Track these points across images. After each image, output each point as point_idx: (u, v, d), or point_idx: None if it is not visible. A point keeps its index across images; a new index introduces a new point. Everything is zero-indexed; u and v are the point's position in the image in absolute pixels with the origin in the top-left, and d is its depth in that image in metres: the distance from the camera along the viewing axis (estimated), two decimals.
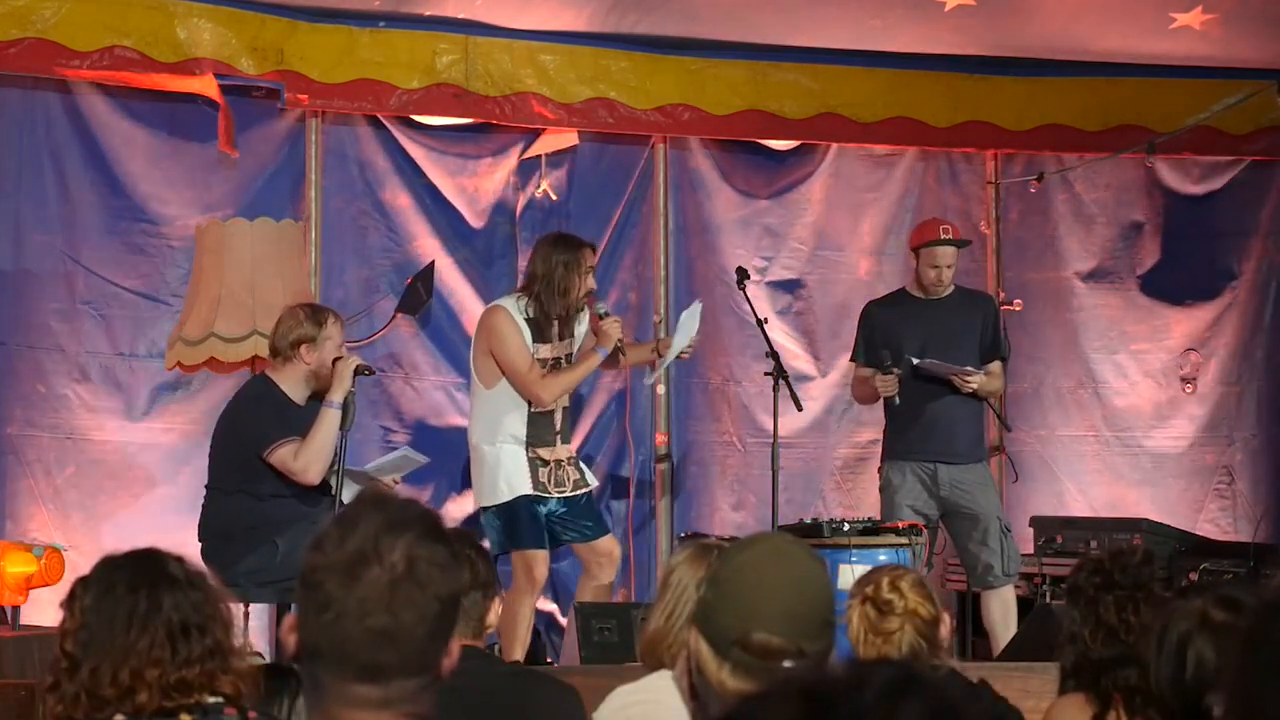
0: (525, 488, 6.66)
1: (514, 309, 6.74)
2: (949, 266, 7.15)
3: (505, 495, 6.66)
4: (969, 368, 7.05)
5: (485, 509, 6.76)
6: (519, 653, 6.66)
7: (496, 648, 6.65)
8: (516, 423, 6.71)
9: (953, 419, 7.10)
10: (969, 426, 7.19)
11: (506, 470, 6.67)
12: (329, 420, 5.98)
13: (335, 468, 6.00)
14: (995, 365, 7.23)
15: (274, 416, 6.04)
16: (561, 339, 6.80)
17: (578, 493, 6.84)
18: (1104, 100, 8.70)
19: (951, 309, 7.20)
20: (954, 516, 7.13)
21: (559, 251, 6.75)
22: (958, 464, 7.10)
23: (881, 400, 7.22)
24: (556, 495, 6.75)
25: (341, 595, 2.04)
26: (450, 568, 2.09)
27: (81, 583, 2.91)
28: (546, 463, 6.72)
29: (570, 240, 6.90)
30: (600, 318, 6.80)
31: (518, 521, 6.67)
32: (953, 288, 7.26)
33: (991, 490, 7.23)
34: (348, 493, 6.11)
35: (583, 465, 6.97)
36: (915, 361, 7.00)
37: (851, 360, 7.46)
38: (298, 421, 6.03)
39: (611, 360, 6.93)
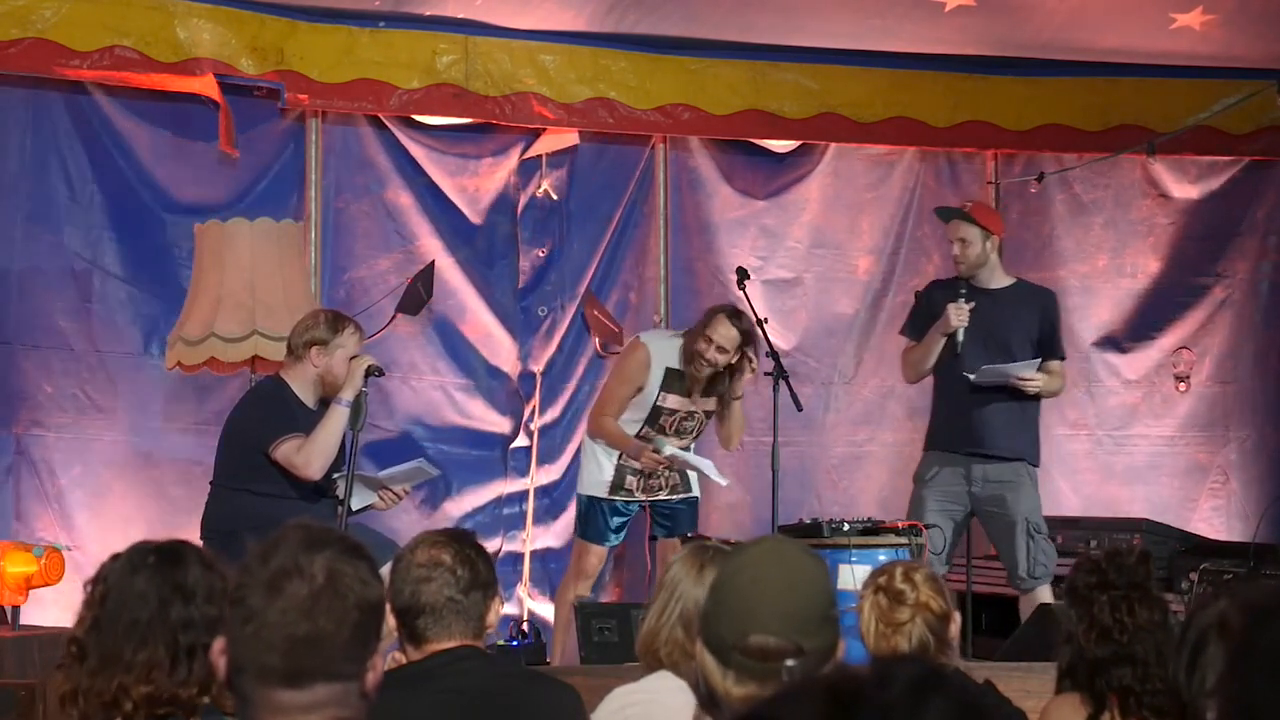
0: (600, 491, 7.00)
1: (658, 350, 6.88)
2: (961, 240, 6.98)
3: (584, 488, 7.08)
4: (1027, 371, 6.89)
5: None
6: (561, 635, 6.91)
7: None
8: (627, 426, 6.96)
9: (993, 415, 6.93)
10: (1012, 423, 6.98)
11: (591, 468, 7.05)
12: (337, 417, 5.98)
13: (344, 471, 5.98)
14: (1054, 364, 7.04)
15: (281, 414, 6.04)
16: (706, 395, 6.92)
17: (674, 497, 7.05)
18: (1104, 100, 8.70)
19: (1006, 301, 7.03)
20: (983, 515, 7.03)
21: (703, 317, 6.89)
22: (994, 461, 6.96)
23: (933, 384, 7.09)
24: (644, 499, 7.03)
25: (264, 607, 2.15)
26: (370, 582, 2.21)
27: (102, 579, 2.91)
28: (638, 471, 6.96)
29: (712, 308, 6.95)
30: (655, 449, 6.89)
31: (585, 514, 7.07)
32: (1013, 279, 7.14)
33: (1025, 490, 7.00)
34: (358, 499, 6.11)
35: (690, 472, 7.05)
36: (972, 377, 6.84)
37: (902, 333, 7.30)
38: (305, 422, 6.02)
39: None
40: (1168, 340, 8.95)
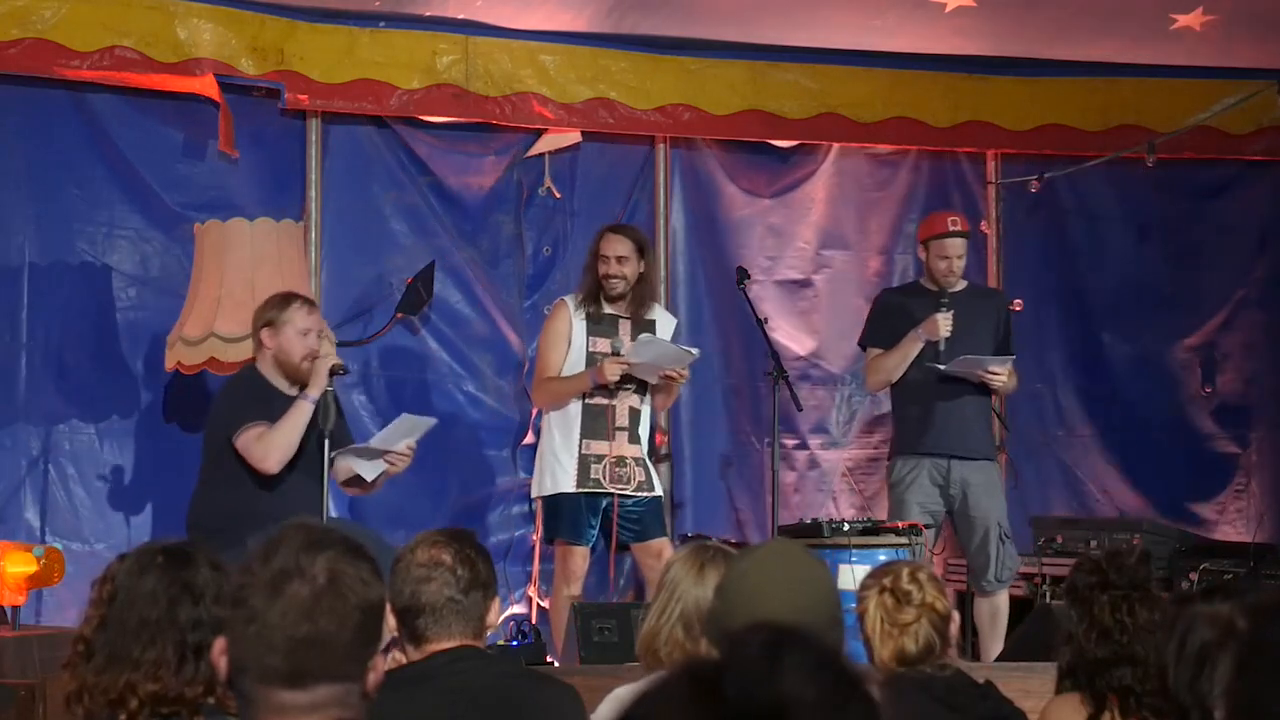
0: (568, 485, 6.92)
1: (572, 304, 7.00)
2: (959, 257, 7.14)
3: (548, 489, 6.97)
4: (999, 365, 7.00)
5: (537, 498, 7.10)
6: (561, 642, 6.80)
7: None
8: (573, 409, 6.94)
9: (965, 415, 7.07)
10: (981, 423, 7.16)
11: (552, 465, 6.96)
12: (300, 413, 5.96)
13: (320, 472, 5.94)
14: (1009, 362, 7.15)
15: (251, 401, 6.02)
16: (634, 337, 6.93)
17: (640, 494, 7.00)
18: (1104, 100, 8.69)
19: (966, 303, 7.15)
20: (958, 516, 7.12)
21: (590, 250, 7.07)
22: (971, 460, 7.07)
23: (894, 390, 7.17)
24: (614, 490, 6.93)
25: (266, 607, 2.15)
26: (372, 582, 2.21)
27: (110, 579, 2.92)
28: (601, 458, 6.92)
29: (595, 238, 7.14)
30: (614, 353, 6.89)
31: (556, 514, 6.97)
32: (965, 282, 7.26)
33: (997, 493, 7.18)
34: (368, 471, 6.18)
35: (652, 469, 7.10)
36: (943, 367, 6.95)
37: (861, 345, 7.41)
38: (281, 406, 6.01)
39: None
40: (1188, 341, 8.95)
